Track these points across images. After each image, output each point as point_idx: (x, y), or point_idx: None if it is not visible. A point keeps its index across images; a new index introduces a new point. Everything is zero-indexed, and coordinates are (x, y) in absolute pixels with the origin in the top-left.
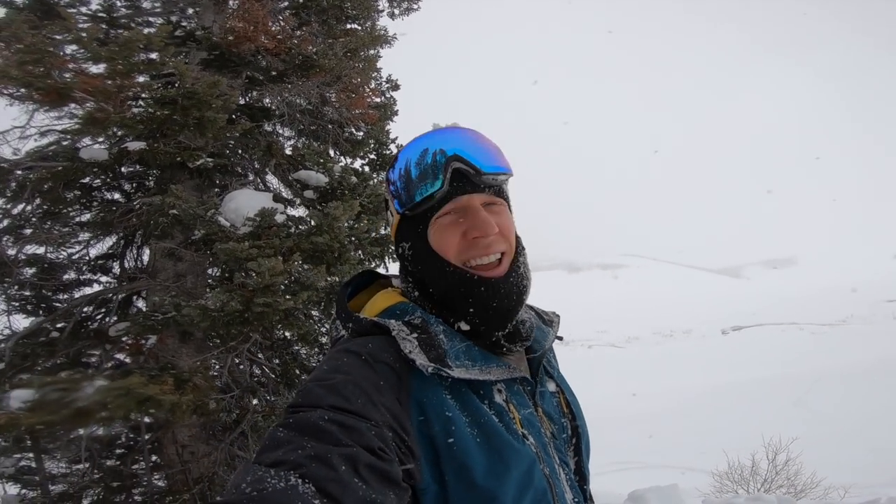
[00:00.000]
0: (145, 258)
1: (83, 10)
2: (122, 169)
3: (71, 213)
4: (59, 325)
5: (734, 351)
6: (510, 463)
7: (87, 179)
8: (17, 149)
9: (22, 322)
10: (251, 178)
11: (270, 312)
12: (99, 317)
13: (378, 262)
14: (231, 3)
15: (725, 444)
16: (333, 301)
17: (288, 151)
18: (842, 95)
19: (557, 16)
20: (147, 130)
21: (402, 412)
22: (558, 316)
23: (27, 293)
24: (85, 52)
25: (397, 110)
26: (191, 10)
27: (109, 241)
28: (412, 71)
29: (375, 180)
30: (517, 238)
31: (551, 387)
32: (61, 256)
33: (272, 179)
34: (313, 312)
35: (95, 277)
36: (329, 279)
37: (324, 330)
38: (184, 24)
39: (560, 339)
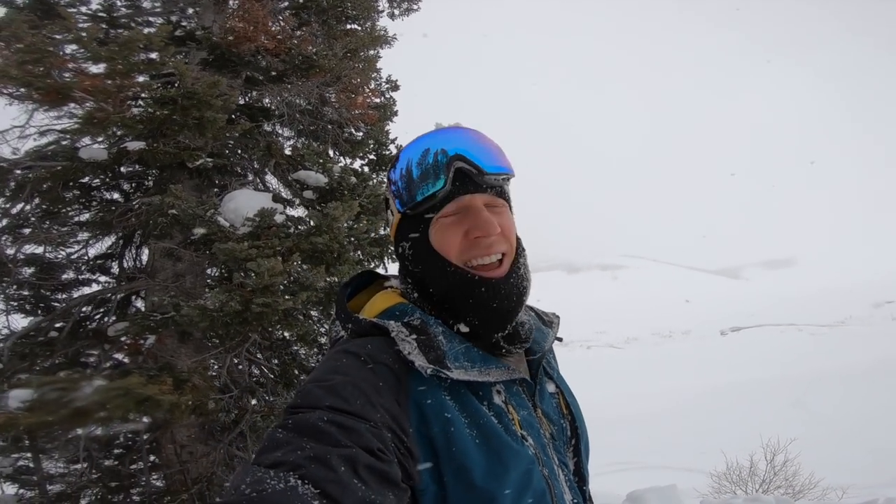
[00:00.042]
0: (144, 258)
1: (83, 9)
2: (122, 169)
3: (70, 213)
4: (57, 325)
5: (733, 352)
6: (509, 464)
7: (86, 179)
8: (17, 148)
9: (20, 322)
10: (250, 178)
11: (269, 312)
12: (98, 316)
13: (377, 263)
14: (231, 3)
15: (724, 445)
16: (333, 301)
17: (287, 151)
18: (842, 95)
19: (557, 16)
20: (147, 130)
21: (400, 413)
22: (558, 317)
23: (26, 293)
24: (85, 52)
25: (397, 111)
26: (191, 10)
27: (108, 241)
28: (413, 71)
29: (375, 181)
30: (518, 239)
31: (551, 388)
32: (60, 256)
33: (271, 179)
34: (312, 313)
35: (94, 277)
36: (328, 279)
37: (323, 330)
38: (184, 23)
39: (560, 340)
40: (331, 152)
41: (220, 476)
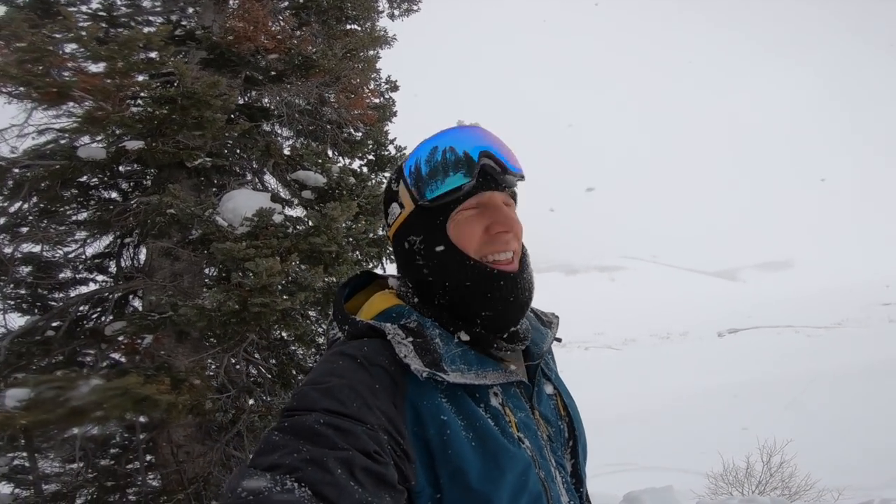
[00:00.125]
0: (142, 257)
1: (83, 8)
2: (120, 168)
3: (68, 212)
4: (54, 324)
5: (730, 353)
6: (505, 467)
7: (84, 178)
8: (15, 147)
9: (17, 321)
10: (249, 177)
11: (267, 312)
12: (95, 316)
13: (376, 264)
14: (231, 2)
15: (721, 446)
16: (331, 302)
17: (286, 152)
18: (841, 96)
19: (555, 17)
20: (145, 129)
21: (397, 415)
22: (557, 317)
23: (23, 292)
24: (84, 51)
25: (396, 111)
26: (191, 10)
27: (106, 240)
28: (414, 72)
29: (373, 181)
30: None
31: (548, 389)
32: (58, 255)
33: (270, 179)
34: (310, 313)
35: (92, 276)
36: (326, 280)
37: (321, 330)
38: (184, 23)
39: (559, 340)
40: (330, 152)
41: (216, 476)
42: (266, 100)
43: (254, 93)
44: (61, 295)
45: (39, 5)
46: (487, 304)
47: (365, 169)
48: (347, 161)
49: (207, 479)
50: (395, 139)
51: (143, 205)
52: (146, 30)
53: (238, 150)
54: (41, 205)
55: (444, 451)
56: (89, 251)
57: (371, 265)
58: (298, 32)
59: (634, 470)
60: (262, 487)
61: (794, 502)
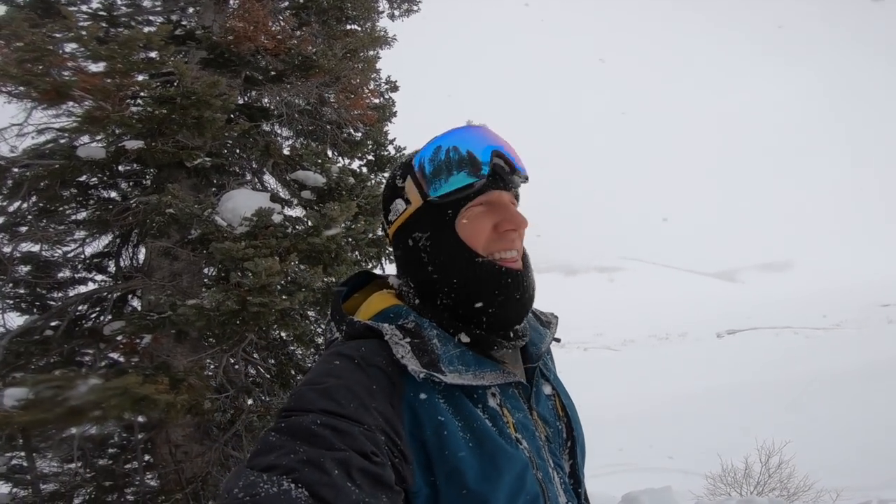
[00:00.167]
0: (141, 257)
1: (84, 8)
2: (120, 167)
3: (67, 211)
4: (53, 324)
5: (729, 354)
6: (502, 467)
7: (83, 178)
8: (15, 146)
9: (16, 320)
10: (249, 177)
11: (266, 312)
12: (94, 315)
13: (375, 264)
14: (231, 2)
15: (719, 447)
16: (330, 302)
17: (286, 152)
18: (841, 97)
19: (554, 17)
20: (145, 129)
21: (394, 416)
22: (556, 317)
23: (22, 291)
24: (85, 51)
25: (396, 111)
26: (191, 10)
27: (105, 240)
28: (414, 72)
29: (373, 181)
30: None
31: (547, 389)
32: (56, 254)
33: (270, 179)
34: (309, 313)
35: (91, 276)
36: (325, 280)
37: (319, 330)
38: (184, 23)
39: (557, 340)
40: (329, 153)
41: (214, 476)
42: (266, 100)
43: (254, 93)
44: (60, 294)
45: (40, 5)
46: (494, 302)
47: (364, 169)
48: (347, 161)
49: (206, 479)
50: (394, 139)
51: (143, 204)
52: (146, 29)
53: (238, 150)
54: (40, 204)
55: (441, 451)
56: (88, 251)
57: (370, 265)
58: (298, 32)
59: (633, 470)
60: (259, 488)
61: (793, 503)
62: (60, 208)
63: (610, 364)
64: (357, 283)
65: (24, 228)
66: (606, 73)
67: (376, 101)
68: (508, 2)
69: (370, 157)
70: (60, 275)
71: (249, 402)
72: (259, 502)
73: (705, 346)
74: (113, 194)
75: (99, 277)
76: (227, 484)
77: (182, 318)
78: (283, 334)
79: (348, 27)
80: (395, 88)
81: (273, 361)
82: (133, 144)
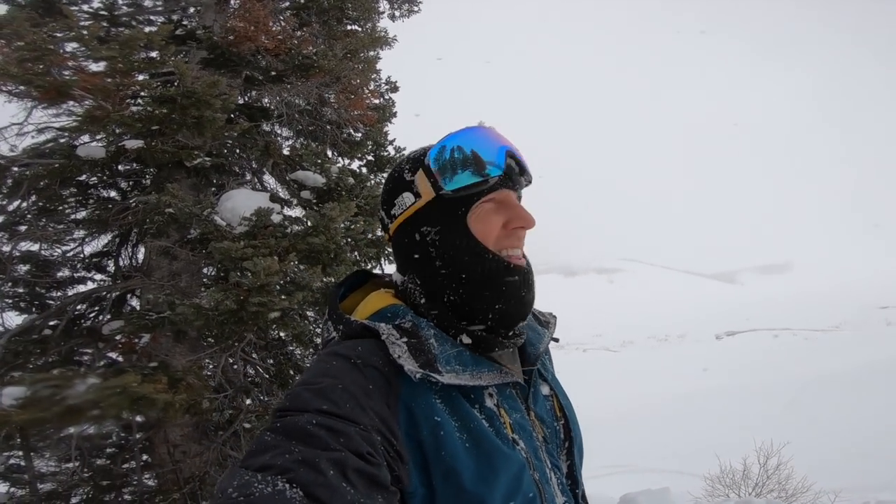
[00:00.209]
0: (140, 256)
1: (85, 7)
2: (119, 167)
3: (66, 211)
4: (51, 323)
5: (727, 355)
6: (499, 468)
7: (83, 177)
8: (15, 145)
9: (15, 319)
10: (248, 177)
11: (265, 312)
12: (92, 315)
13: (374, 264)
14: (232, 2)
15: (717, 448)
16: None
17: (286, 152)
18: (840, 97)
19: (554, 18)
20: (145, 129)
21: (390, 416)
22: (555, 317)
23: (21, 290)
24: (85, 50)
25: (396, 112)
26: (192, 10)
27: (104, 239)
28: (415, 72)
29: (373, 182)
30: None
31: (545, 390)
32: (56, 254)
33: (269, 179)
34: (308, 313)
35: (90, 275)
36: (324, 280)
37: (318, 330)
38: (185, 22)
39: (556, 340)
40: (329, 153)
41: (212, 475)
42: (266, 100)
43: (254, 93)
44: (59, 293)
45: (41, 4)
46: (501, 298)
47: (364, 169)
48: (347, 161)
49: (203, 479)
50: (394, 140)
51: (142, 204)
52: (147, 29)
53: (237, 150)
54: (40, 203)
55: (438, 452)
56: (87, 250)
57: (369, 265)
58: (299, 33)
59: (631, 472)
60: (253, 488)
61: None
62: (60, 207)
63: (609, 365)
64: (355, 282)
65: (23, 227)
66: (606, 73)
67: (376, 101)
68: (508, 2)
69: (370, 158)
70: (59, 274)
71: (248, 401)
72: (253, 502)
73: (704, 348)
74: (112, 194)
75: (98, 277)
76: (221, 484)
77: (181, 318)
78: (281, 334)
79: (349, 27)
80: (395, 89)
81: (272, 361)
82: (133, 144)
